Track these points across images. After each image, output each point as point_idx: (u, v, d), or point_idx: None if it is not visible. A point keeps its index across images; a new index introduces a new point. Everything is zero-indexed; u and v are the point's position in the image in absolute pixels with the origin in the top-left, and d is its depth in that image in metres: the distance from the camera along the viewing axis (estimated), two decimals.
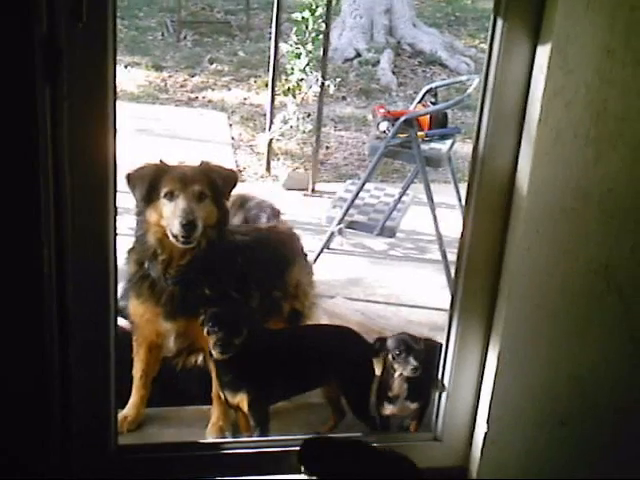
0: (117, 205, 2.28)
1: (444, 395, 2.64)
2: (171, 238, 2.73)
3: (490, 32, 2.31)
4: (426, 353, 2.79)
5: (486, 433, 2.56)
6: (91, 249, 2.27)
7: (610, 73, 2.22)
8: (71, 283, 2.26)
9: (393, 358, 2.80)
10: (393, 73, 9.06)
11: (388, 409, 2.89)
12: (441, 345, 2.70)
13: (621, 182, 2.35)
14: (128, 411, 2.98)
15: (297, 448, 2.44)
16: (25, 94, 2.01)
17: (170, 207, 2.73)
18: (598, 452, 2.66)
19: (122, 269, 2.84)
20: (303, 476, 2.42)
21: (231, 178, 2.97)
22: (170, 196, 2.74)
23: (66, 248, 2.22)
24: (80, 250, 2.25)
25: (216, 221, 2.83)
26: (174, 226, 2.70)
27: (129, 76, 8.24)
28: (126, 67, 8.48)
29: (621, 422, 2.63)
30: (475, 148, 2.41)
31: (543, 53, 2.22)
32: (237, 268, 2.96)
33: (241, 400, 2.81)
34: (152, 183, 2.78)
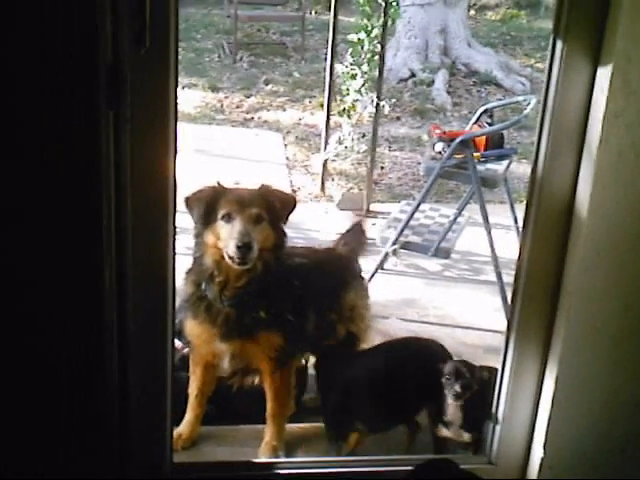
0: (176, 225, 2.31)
1: (500, 417, 2.60)
2: (227, 260, 2.75)
3: (550, 53, 2.30)
4: (485, 382, 2.79)
5: (542, 458, 2.52)
6: (151, 269, 2.29)
7: None
8: (131, 303, 2.28)
9: (445, 381, 2.80)
10: (448, 93, 9.04)
11: (443, 431, 2.87)
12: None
13: None
14: (183, 429, 3.01)
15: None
16: (89, 119, 2.05)
17: (227, 229, 2.75)
18: None
19: (180, 289, 2.88)
20: None
21: (290, 202, 2.97)
22: (227, 218, 2.76)
23: (127, 268, 2.25)
24: (140, 270, 2.27)
25: (273, 244, 2.83)
26: (230, 248, 2.71)
27: (186, 97, 8.36)
28: (183, 88, 8.61)
29: None
30: (534, 169, 2.39)
31: (604, 74, 2.20)
32: (294, 291, 2.96)
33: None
34: (210, 205, 2.80)
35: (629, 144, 2.22)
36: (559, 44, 2.25)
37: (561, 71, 2.26)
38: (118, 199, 2.17)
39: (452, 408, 2.83)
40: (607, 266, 2.35)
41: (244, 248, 2.69)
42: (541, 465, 2.54)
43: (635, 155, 2.23)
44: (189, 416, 3.04)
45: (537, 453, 2.55)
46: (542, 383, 2.53)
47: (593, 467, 2.56)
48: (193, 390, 3.05)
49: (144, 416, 2.43)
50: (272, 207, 2.83)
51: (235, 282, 2.81)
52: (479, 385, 2.81)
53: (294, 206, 2.97)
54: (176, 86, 2.16)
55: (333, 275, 3.29)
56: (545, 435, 2.51)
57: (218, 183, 2.88)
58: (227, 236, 2.74)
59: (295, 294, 2.97)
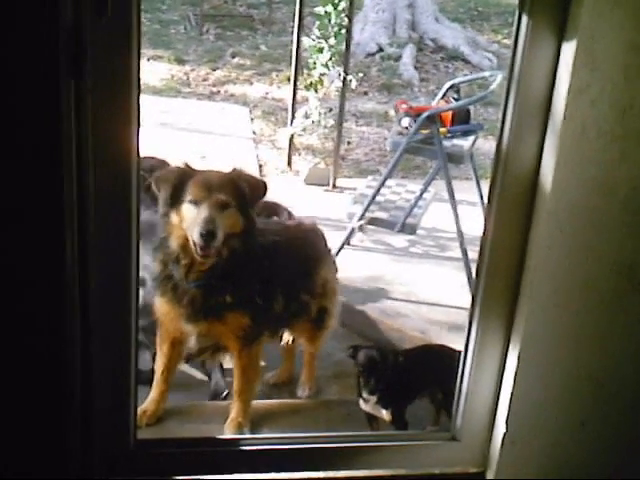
0: (140, 199, 2.27)
1: (463, 395, 2.61)
2: (191, 245, 2.73)
3: (515, 28, 2.28)
4: (401, 367, 2.92)
5: (505, 433, 2.54)
6: (114, 242, 2.26)
7: (636, 70, 2.19)
8: (94, 276, 2.25)
9: (359, 372, 2.95)
10: (415, 68, 9.03)
11: (364, 406, 3.02)
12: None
13: None
14: (148, 405, 3.00)
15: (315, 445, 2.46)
16: (49, 88, 2.00)
17: (192, 213, 2.72)
18: (618, 453, 2.63)
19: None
20: (319, 474, 2.42)
21: (260, 188, 2.93)
22: (194, 203, 2.72)
23: (89, 241, 2.21)
24: (103, 243, 2.24)
25: (241, 230, 2.80)
26: (194, 234, 2.68)
27: (152, 69, 8.26)
28: (149, 60, 8.51)
29: None
30: (499, 145, 2.38)
31: (568, 50, 2.19)
32: (263, 272, 2.94)
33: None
34: (177, 187, 2.76)
35: (592, 120, 2.22)
36: (524, 19, 2.24)
37: (526, 47, 2.25)
38: (80, 171, 2.13)
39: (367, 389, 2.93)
40: (570, 243, 2.35)
41: (207, 236, 2.66)
42: (503, 440, 2.55)
43: (598, 131, 2.23)
44: (154, 393, 3.03)
45: (500, 429, 2.57)
46: (505, 359, 2.53)
47: (554, 441, 2.58)
48: (160, 367, 3.04)
49: (107, 392, 2.40)
50: (241, 193, 2.79)
51: (200, 265, 2.78)
52: (395, 372, 2.92)
53: (264, 192, 2.93)
54: (139, 57, 2.12)
55: (304, 251, 3.27)
56: (507, 411, 2.52)
57: (186, 164, 2.84)
58: (192, 221, 2.71)
59: (264, 275, 2.95)
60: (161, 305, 2.93)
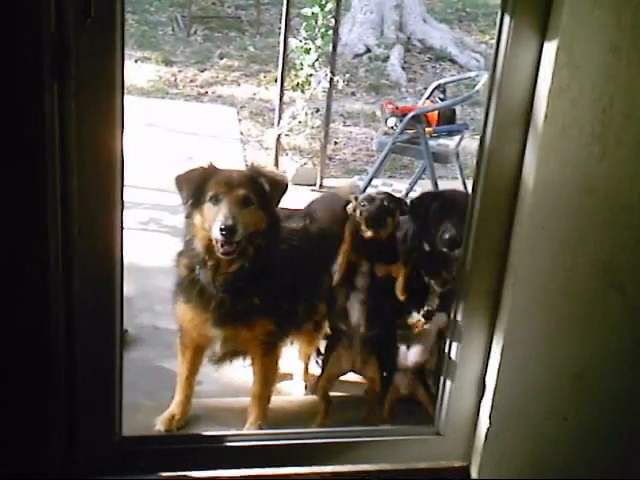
0: (124, 200, 2.28)
1: (447, 390, 2.64)
2: (214, 243, 2.68)
3: (497, 29, 2.31)
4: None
5: (489, 428, 2.57)
6: (98, 244, 2.27)
7: (616, 70, 2.23)
8: (78, 275, 2.27)
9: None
10: (403, 69, 9.06)
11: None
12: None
13: (626, 179, 2.35)
14: (175, 409, 2.99)
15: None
16: (33, 90, 2.02)
17: (213, 211, 2.68)
18: (599, 447, 2.67)
19: (173, 272, 2.88)
20: (305, 469, 2.44)
21: (280, 184, 2.85)
22: (214, 200, 2.69)
23: (73, 243, 2.23)
24: (87, 245, 2.25)
25: (265, 228, 2.76)
26: (214, 230, 2.64)
27: (139, 71, 8.26)
28: (136, 61, 8.51)
29: (622, 418, 2.64)
30: (482, 144, 2.42)
31: (550, 50, 2.22)
32: (286, 275, 2.90)
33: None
34: (199, 186, 2.72)
35: (573, 119, 2.25)
36: (507, 20, 2.27)
37: (508, 47, 2.28)
38: (63, 173, 2.14)
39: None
40: (551, 240, 2.39)
41: (227, 231, 2.61)
42: (487, 435, 2.58)
43: (579, 130, 2.27)
44: (180, 397, 3.02)
45: (483, 423, 2.60)
46: (488, 355, 2.57)
47: (536, 435, 2.61)
48: (183, 372, 3.02)
49: (93, 389, 2.42)
50: (261, 189, 2.75)
51: (227, 267, 2.74)
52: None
53: (285, 188, 2.86)
54: (122, 58, 2.13)
55: (315, 255, 3.23)
56: (491, 406, 2.55)
57: (210, 164, 2.79)
58: (212, 218, 2.67)
59: (288, 279, 2.92)
60: (185, 311, 2.87)
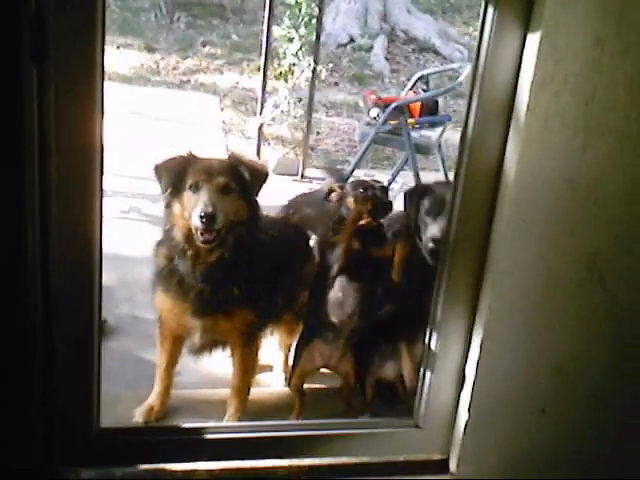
0: (104, 188, 2.25)
1: (426, 383, 2.64)
2: (194, 232, 2.67)
3: (481, 20, 2.29)
4: None
5: (467, 421, 2.57)
6: (76, 232, 2.24)
7: (599, 63, 2.22)
8: (56, 261, 2.24)
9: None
10: (386, 59, 9.05)
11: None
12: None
13: (608, 171, 2.35)
14: (153, 401, 2.98)
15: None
16: (12, 75, 1.99)
17: (193, 199, 2.66)
18: (578, 439, 2.67)
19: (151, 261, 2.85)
20: (284, 462, 2.43)
21: (260, 172, 2.83)
22: (194, 188, 2.67)
23: (51, 230, 2.20)
24: (65, 233, 2.22)
25: (246, 218, 2.75)
26: (194, 217, 2.63)
27: (121, 57, 8.20)
28: (118, 48, 8.44)
29: (601, 411, 2.64)
30: (464, 135, 2.40)
31: (533, 42, 2.21)
32: (265, 265, 2.89)
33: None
34: (178, 174, 2.70)
35: (556, 112, 2.24)
36: (490, 11, 2.26)
37: (492, 38, 2.26)
38: (42, 159, 2.11)
39: None
40: (533, 232, 2.38)
41: (207, 218, 2.60)
42: (466, 428, 2.58)
43: (561, 123, 2.26)
44: (159, 388, 3.01)
45: (462, 416, 2.60)
46: (468, 348, 2.56)
47: (515, 427, 2.61)
48: (162, 363, 3.01)
49: (71, 381, 2.39)
50: (241, 178, 2.73)
51: (207, 257, 2.73)
52: None
53: (266, 177, 2.84)
54: (103, 44, 2.10)
55: (295, 246, 3.24)
56: (470, 398, 2.55)
57: (189, 153, 2.77)
58: (192, 206, 2.65)
59: (267, 268, 2.90)
60: (164, 301, 2.85)
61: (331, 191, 3.04)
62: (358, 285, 2.90)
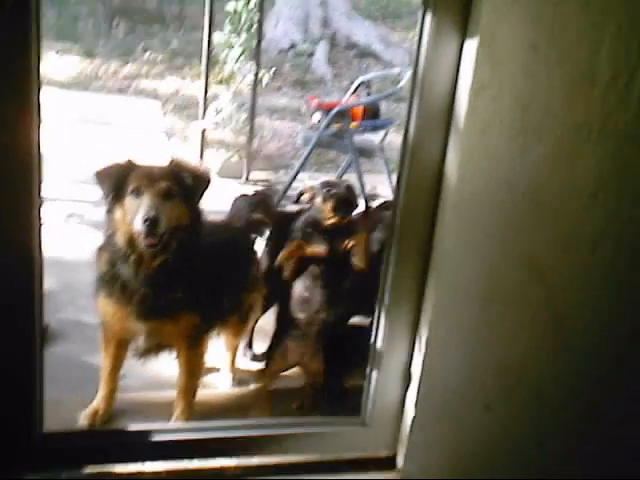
0: (45, 193, 2.23)
1: (373, 381, 2.67)
2: (136, 237, 2.67)
3: (419, 26, 2.33)
4: None
5: (414, 418, 2.61)
6: (15, 239, 2.22)
7: (534, 68, 2.27)
8: None
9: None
10: (328, 64, 9.10)
11: None
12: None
13: (545, 174, 2.40)
14: (98, 404, 2.96)
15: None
16: None
17: (135, 204, 2.66)
18: (522, 436, 2.72)
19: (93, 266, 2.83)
20: (231, 462, 2.44)
21: (203, 178, 2.86)
22: (136, 193, 2.67)
23: None
24: (3, 240, 2.20)
25: (188, 223, 2.76)
26: (137, 222, 2.62)
27: (60, 64, 8.10)
28: (57, 53, 8.34)
29: (543, 408, 2.70)
30: (405, 140, 2.44)
31: (470, 48, 2.26)
32: (210, 269, 2.90)
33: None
34: (119, 180, 2.70)
35: (494, 116, 2.29)
36: (428, 17, 2.30)
37: (430, 44, 2.31)
38: None
39: None
40: (475, 234, 2.42)
41: (150, 222, 2.60)
42: (412, 425, 2.62)
43: (499, 127, 2.31)
44: (104, 391, 2.99)
45: (409, 414, 2.63)
46: (413, 346, 2.60)
47: (461, 425, 2.66)
48: (106, 366, 2.99)
49: (10, 386, 2.37)
50: (183, 183, 2.74)
51: (150, 261, 2.73)
52: None
53: (208, 183, 2.86)
54: (39, 50, 2.08)
55: (240, 249, 3.28)
56: (416, 396, 2.59)
57: (129, 160, 2.77)
58: (134, 210, 2.65)
59: (212, 272, 2.92)
60: (106, 306, 2.84)
61: (301, 194, 3.10)
62: (323, 281, 2.95)
